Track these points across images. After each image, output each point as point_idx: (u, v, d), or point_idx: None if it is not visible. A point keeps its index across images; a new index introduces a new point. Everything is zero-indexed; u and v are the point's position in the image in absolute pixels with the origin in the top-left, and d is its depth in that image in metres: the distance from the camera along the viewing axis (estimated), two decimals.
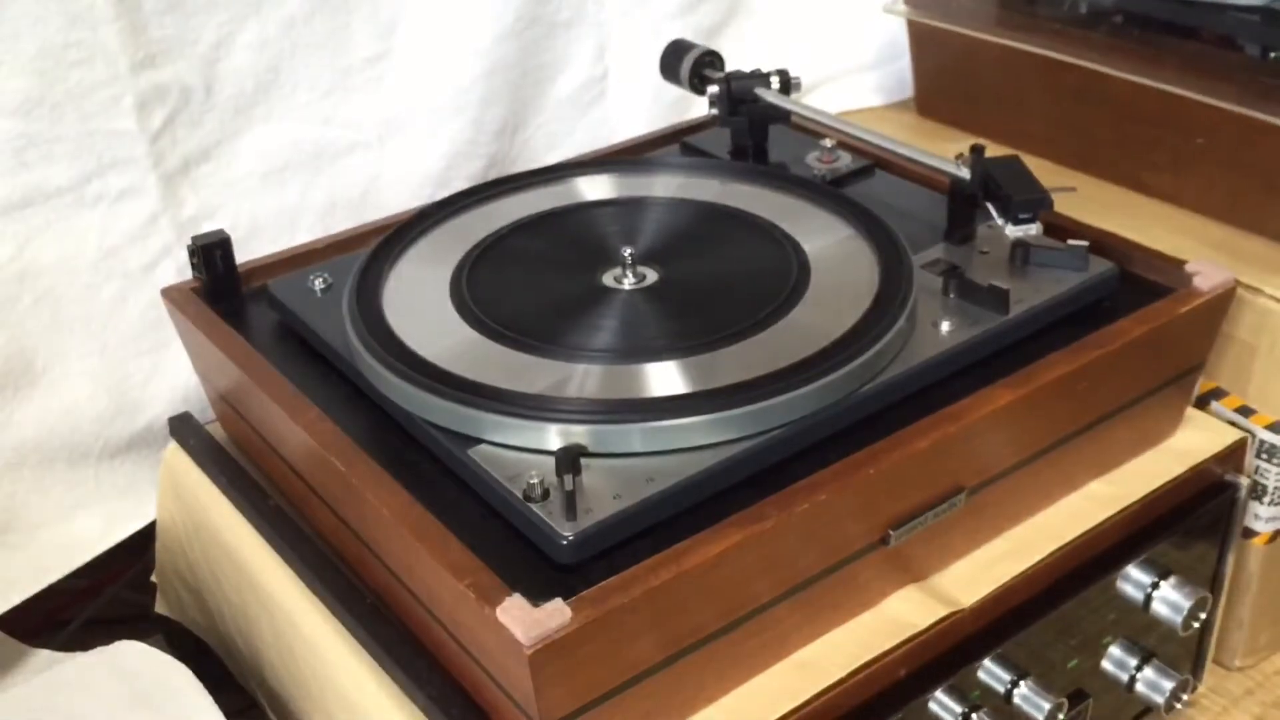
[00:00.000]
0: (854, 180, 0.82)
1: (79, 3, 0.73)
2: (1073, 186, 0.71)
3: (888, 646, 0.58)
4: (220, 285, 0.73)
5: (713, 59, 0.87)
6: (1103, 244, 0.71)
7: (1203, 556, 0.72)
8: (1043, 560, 0.63)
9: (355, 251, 0.74)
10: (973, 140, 0.74)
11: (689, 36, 0.93)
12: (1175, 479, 0.69)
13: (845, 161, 0.83)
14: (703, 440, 0.55)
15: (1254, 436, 0.74)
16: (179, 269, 0.81)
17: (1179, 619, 0.67)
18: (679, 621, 0.52)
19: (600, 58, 0.97)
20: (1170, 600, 0.67)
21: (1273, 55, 0.79)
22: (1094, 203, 0.84)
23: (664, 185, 0.78)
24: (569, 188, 0.79)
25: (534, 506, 0.52)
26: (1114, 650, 0.69)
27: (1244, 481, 0.72)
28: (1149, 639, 0.70)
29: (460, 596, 0.50)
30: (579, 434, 0.55)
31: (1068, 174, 0.89)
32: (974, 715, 0.59)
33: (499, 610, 0.48)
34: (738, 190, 0.77)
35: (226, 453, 0.74)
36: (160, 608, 0.84)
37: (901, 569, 0.61)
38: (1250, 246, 0.79)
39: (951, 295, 0.66)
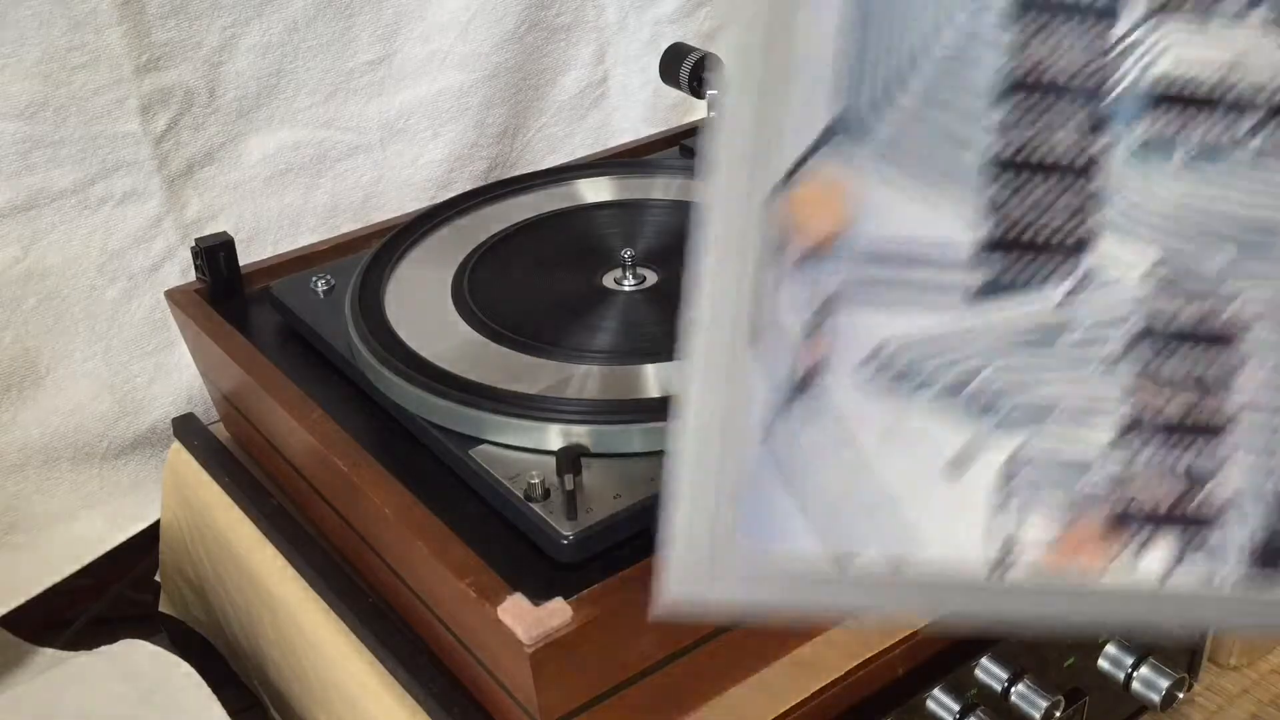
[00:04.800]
0: None
1: (83, 6, 0.73)
2: None
3: (886, 645, 0.59)
4: (223, 287, 0.73)
5: (712, 62, 0.87)
6: None
7: None
8: None
9: (357, 253, 0.74)
10: None
11: (688, 40, 0.93)
12: None
13: None
14: None
15: None
16: (183, 271, 0.81)
17: None
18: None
19: (600, 61, 0.97)
20: None
21: None
22: None
23: (663, 187, 0.79)
24: (569, 190, 0.79)
25: (535, 506, 0.53)
26: (1110, 649, 0.69)
27: None
28: (1145, 637, 0.70)
29: (461, 595, 0.51)
30: (580, 434, 0.56)
31: None
32: (971, 714, 0.60)
33: (500, 609, 0.49)
34: None
35: (230, 453, 0.74)
36: (164, 607, 0.84)
37: None
38: None
39: None
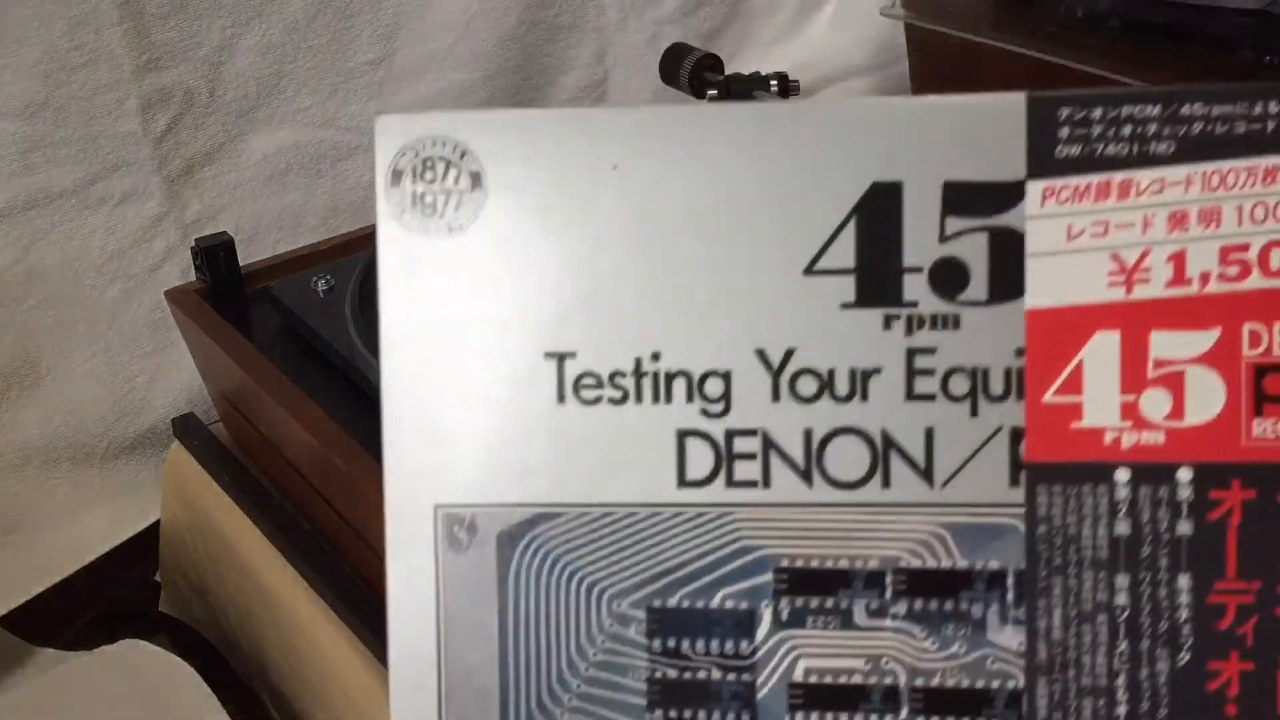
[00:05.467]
0: None
1: (83, 6, 0.73)
2: None
3: None
4: (223, 287, 0.73)
5: (712, 62, 0.87)
6: None
7: None
8: None
9: (357, 253, 0.74)
10: None
11: (689, 40, 0.93)
12: None
13: None
14: None
15: None
16: (182, 271, 0.81)
17: None
18: None
19: (600, 61, 0.97)
20: None
21: (1268, 59, 0.79)
22: None
23: None
24: None
25: None
26: None
27: None
28: None
29: None
30: None
31: None
32: None
33: None
34: None
35: (230, 453, 0.74)
36: (164, 607, 0.84)
37: None
38: None
39: None
